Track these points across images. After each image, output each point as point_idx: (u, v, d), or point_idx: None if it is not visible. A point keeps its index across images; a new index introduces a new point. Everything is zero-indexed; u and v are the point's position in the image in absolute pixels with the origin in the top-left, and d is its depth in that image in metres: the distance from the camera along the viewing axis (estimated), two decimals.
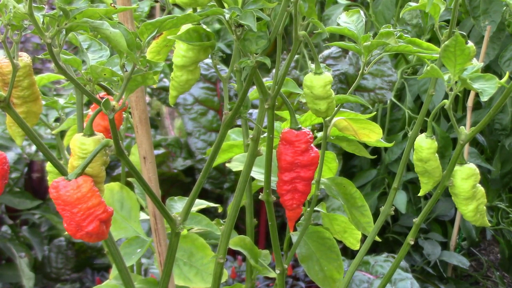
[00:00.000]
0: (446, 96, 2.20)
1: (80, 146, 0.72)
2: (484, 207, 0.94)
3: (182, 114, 2.30)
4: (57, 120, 1.17)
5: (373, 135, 1.10)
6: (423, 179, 0.96)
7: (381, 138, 1.11)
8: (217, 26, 3.17)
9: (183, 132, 2.52)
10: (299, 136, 0.76)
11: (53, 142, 2.12)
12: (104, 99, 0.68)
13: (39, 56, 0.86)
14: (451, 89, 0.86)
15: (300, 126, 0.77)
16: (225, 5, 0.79)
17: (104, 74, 0.70)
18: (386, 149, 2.31)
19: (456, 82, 0.86)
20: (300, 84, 1.03)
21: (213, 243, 1.14)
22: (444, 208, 2.34)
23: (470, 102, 1.99)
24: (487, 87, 0.83)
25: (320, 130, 1.12)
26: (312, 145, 0.79)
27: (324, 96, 0.78)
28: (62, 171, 0.80)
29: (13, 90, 0.76)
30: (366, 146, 1.17)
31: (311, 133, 0.78)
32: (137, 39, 0.68)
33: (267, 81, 0.86)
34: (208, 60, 2.21)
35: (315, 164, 0.78)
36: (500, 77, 2.14)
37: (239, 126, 1.14)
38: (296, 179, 0.80)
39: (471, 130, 0.90)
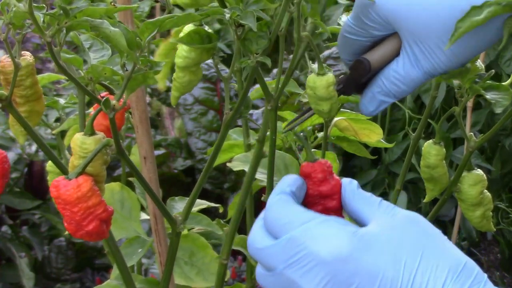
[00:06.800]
0: (446, 97, 2.20)
1: (81, 145, 0.71)
2: (490, 213, 0.93)
3: (182, 114, 2.30)
4: (57, 120, 1.16)
5: (374, 135, 1.09)
6: (429, 185, 0.94)
7: (382, 138, 1.11)
8: (217, 26, 3.17)
9: (183, 132, 2.52)
10: (315, 168, 0.75)
11: (53, 142, 2.12)
12: (104, 98, 0.68)
13: (40, 55, 0.85)
14: (461, 96, 0.84)
15: (316, 158, 0.75)
16: (227, 4, 0.79)
17: (105, 73, 0.70)
18: (386, 149, 2.31)
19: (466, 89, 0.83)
20: (300, 84, 1.03)
21: (214, 243, 1.14)
22: (444, 208, 2.33)
23: (470, 102, 2.00)
24: (501, 98, 0.80)
25: (321, 130, 1.12)
26: (333, 175, 0.77)
27: (327, 97, 0.78)
28: (64, 171, 0.80)
29: (16, 89, 0.76)
30: (366, 146, 1.17)
31: (328, 161, 0.76)
32: (137, 38, 0.68)
33: (267, 81, 0.85)
34: (209, 60, 2.21)
35: (337, 192, 0.76)
36: (500, 77, 2.14)
37: (240, 126, 1.14)
38: (324, 212, 0.77)
39: (480, 137, 0.89)
